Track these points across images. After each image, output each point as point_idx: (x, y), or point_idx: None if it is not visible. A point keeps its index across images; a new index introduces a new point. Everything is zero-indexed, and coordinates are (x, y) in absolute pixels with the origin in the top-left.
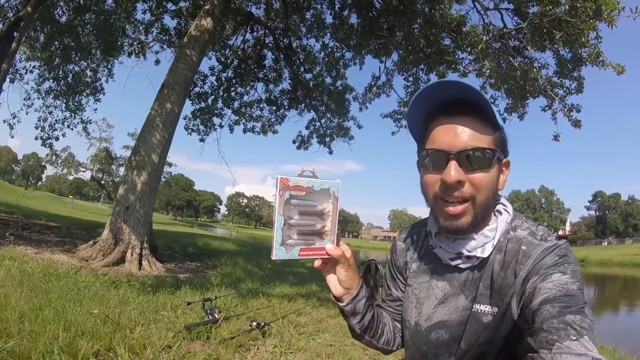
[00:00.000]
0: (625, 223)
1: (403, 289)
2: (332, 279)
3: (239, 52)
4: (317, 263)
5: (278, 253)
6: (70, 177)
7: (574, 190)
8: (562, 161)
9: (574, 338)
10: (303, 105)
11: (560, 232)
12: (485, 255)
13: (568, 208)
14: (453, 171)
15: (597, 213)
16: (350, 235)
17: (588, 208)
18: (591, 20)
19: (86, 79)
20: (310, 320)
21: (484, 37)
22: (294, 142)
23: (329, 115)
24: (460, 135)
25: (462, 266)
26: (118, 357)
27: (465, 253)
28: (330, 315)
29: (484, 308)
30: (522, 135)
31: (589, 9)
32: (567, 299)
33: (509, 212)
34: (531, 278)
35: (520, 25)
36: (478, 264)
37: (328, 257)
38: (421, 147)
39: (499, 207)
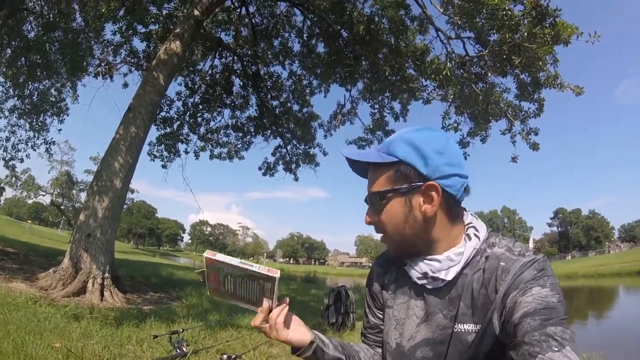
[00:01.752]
0: (587, 236)
1: (379, 315)
2: (281, 336)
3: (207, 78)
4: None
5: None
6: (30, 201)
7: (535, 209)
8: (521, 181)
9: (556, 349)
10: (269, 131)
11: None
12: (449, 278)
13: (530, 226)
14: (366, 214)
15: (559, 229)
16: (317, 262)
17: (550, 225)
18: (549, 44)
19: (51, 99)
20: (282, 350)
21: (448, 64)
22: (259, 168)
23: (295, 142)
24: (368, 183)
25: (428, 286)
26: None
27: (430, 274)
28: None
29: (467, 327)
30: (483, 157)
31: (547, 35)
32: (548, 311)
33: (479, 237)
34: (511, 293)
35: (481, 53)
36: (446, 285)
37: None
38: None
39: (469, 231)
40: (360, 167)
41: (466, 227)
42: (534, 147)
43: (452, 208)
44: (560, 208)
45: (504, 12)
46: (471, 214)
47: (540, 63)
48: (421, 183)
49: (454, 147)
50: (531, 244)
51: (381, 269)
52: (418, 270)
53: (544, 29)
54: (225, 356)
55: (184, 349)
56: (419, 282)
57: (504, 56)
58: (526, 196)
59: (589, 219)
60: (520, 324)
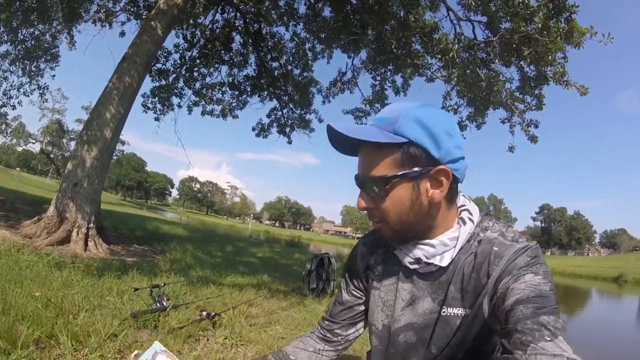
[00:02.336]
0: (569, 236)
1: (355, 294)
2: None
3: (207, 32)
4: None
5: None
6: (19, 149)
7: (521, 201)
8: (512, 171)
9: (549, 339)
10: (266, 93)
11: None
12: (444, 264)
13: (515, 217)
14: (359, 199)
15: (543, 224)
16: (302, 228)
17: (534, 219)
18: (560, 40)
19: (45, 44)
20: (262, 311)
21: (455, 45)
22: (253, 129)
23: (291, 106)
24: (361, 165)
25: (421, 271)
26: (60, 345)
27: (424, 259)
28: (281, 307)
29: (456, 311)
30: (476, 142)
31: (561, 30)
32: (540, 299)
33: (473, 221)
34: (503, 278)
35: (490, 39)
36: (436, 270)
37: None
38: None
39: (463, 214)
40: (344, 144)
41: (459, 209)
42: (533, 139)
43: (454, 192)
44: (546, 204)
45: (520, 1)
46: (463, 195)
47: (550, 57)
48: (431, 167)
49: (457, 127)
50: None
51: (367, 249)
52: (411, 255)
53: (558, 23)
54: (204, 313)
55: (164, 303)
56: (411, 267)
57: (514, 45)
58: (514, 187)
59: (573, 219)
60: (512, 311)
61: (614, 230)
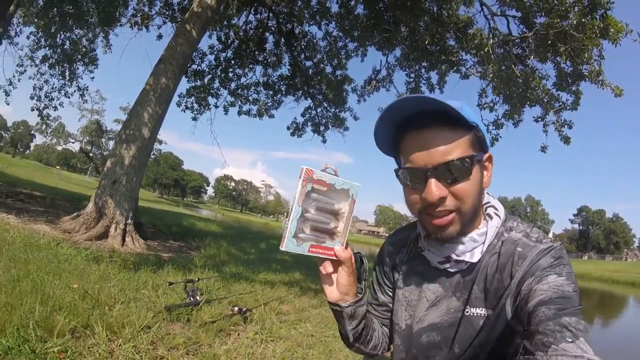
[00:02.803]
0: (607, 240)
1: (390, 293)
2: (329, 283)
3: (241, 33)
4: (326, 268)
5: (288, 245)
6: (59, 148)
7: (560, 204)
8: (551, 173)
9: (570, 340)
10: (300, 92)
11: None
12: (475, 260)
13: (552, 219)
14: (434, 188)
15: (581, 227)
16: None
17: (572, 221)
18: (597, 37)
19: (82, 48)
20: (293, 308)
21: (490, 40)
22: (288, 128)
23: (325, 105)
24: (433, 149)
25: (451, 270)
26: (95, 335)
27: (454, 257)
28: (312, 305)
29: (479, 311)
30: (513, 142)
31: (596, 27)
32: (563, 300)
33: (499, 216)
34: (527, 279)
35: (525, 34)
36: (467, 268)
37: (334, 258)
38: (398, 163)
39: (489, 210)
40: (387, 134)
41: (484, 206)
42: (566, 140)
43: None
44: (584, 206)
45: None
46: (487, 193)
47: (586, 55)
48: (485, 153)
49: None
50: (550, 237)
51: (393, 248)
52: (439, 254)
53: (594, 20)
54: (236, 308)
55: (198, 298)
56: (441, 266)
57: (549, 42)
58: (553, 189)
59: (612, 222)
60: (534, 312)
61: None
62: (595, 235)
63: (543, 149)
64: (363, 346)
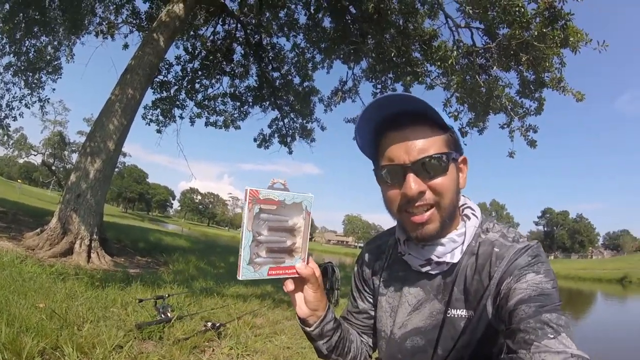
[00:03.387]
0: (572, 239)
1: (370, 300)
2: (298, 299)
3: (208, 44)
4: (287, 286)
5: (245, 273)
6: (21, 160)
7: (523, 206)
8: (513, 177)
9: (552, 336)
10: (267, 103)
11: None
12: (455, 260)
13: (517, 222)
14: (413, 183)
15: (545, 228)
16: None
17: (537, 223)
18: (557, 47)
19: (47, 56)
20: (267, 321)
21: (454, 52)
22: (255, 139)
23: (292, 115)
24: (412, 146)
25: (433, 272)
26: (65, 356)
27: (435, 259)
28: (286, 317)
29: (460, 312)
30: (477, 149)
31: (557, 37)
32: (543, 297)
33: (477, 217)
34: (506, 279)
35: (488, 45)
36: (448, 269)
37: (297, 276)
38: (376, 164)
39: (467, 211)
40: (367, 132)
41: (461, 207)
42: (532, 144)
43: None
44: (548, 208)
45: (517, 9)
46: (462, 195)
47: (547, 64)
48: (459, 155)
49: None
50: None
51: (372, 254)
52: (420, 257)
53: (555, 30)
54: (209, 324)
55: (169, 315)
56: (423, 269)
57: (512, 52)
58: (516, 192)
59: (576, 222)
60: (515, 311)
61: (616, 232)
62: (560, 235)
63: (511, 154)
64: (341, 358)
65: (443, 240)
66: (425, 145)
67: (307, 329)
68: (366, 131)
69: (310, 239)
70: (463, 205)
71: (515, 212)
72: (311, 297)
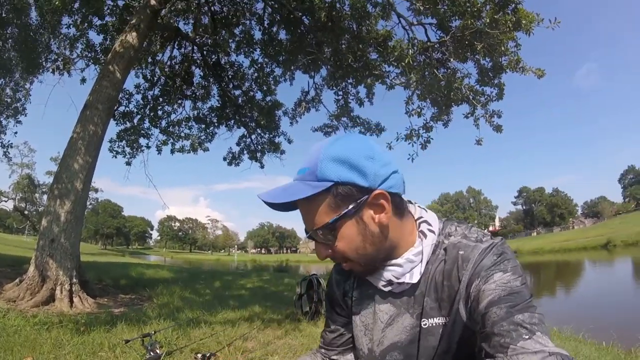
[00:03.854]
0: (551, 213)
1: (342, 321)
2: None
3: (166, 69)
4: None
5: None
6: None
7: (499, 189)
8: (485, 162)
9: (527, 337)
10: (233, 121)
11: (490, 228)
12: (414, 281)
13: (496, 205)
14: (317, 250)
15: (524, 207)
16: (289, 251)
17: (515, 203)
18: (511, 31)
19: (6, 99)
20: (258, 344)
21: (410, 51)
22: (224, 159)
23: (259, 131)
24: (303, 220)
25: (396, 291)
26: None
27: (395, 280)
28: (277, 336)
29: (436, 321)
30: (447, 140)
31: (509, 21)
32: (512, 297)
33: (434, 231)
34: (474, 281)
35: (443, 39)
36: (411, 286)
37: None
38: None
39: (423, 227)
40: (281, 206)
41: (417, 222)
42: (497, 129)
43: (399, 206)
44: (523, 187)
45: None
46: (418, 206)
47: (503, 48)
48: (366, 196)
49: (377, 145)
50: (497, 223)
51: (340, 276)
52: (382, 279)
53: (506, 15)
54: (199, 355)
55: (158, 351)
56: (385, 289)
57: (466, 42)
58: (491, 177)
59: (553, 196)
60: (487, 314)
61: (594, 200)
62: (539, 211)
63: (478, 141)
64: None
65: (400, 260)
66: (310, 219)
67: None
68: (281, 207)
69: (295, 251)
70: (419, 219)
71: (492, 195)
72: None
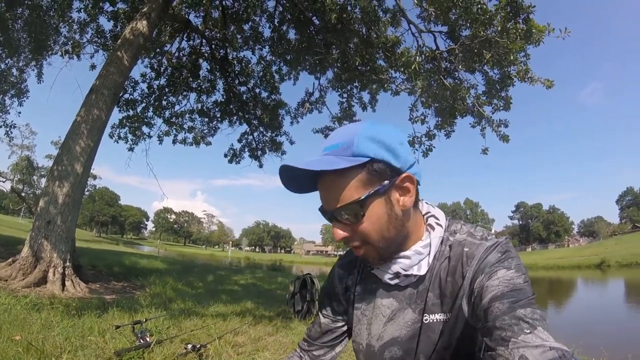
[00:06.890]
0: (547, 230)
1: (334, 317)
2: None
3: (174, 60)
4: None
5: None
6: None
7: (497, 202)
8: (484, 175)
9: (528, 331)
10: (236, 117)
11: None
12: (422, 272)
13: (492, 218)
14: (336, 231)
15: (520, 222)
16: (283, 251)
17: (511, 217)
18: (520, 41)
19: (11, 79)
20: (248, 339)
21: (417, 58)
22: (225, 155)
23: (262, 129)
24: (327, 197)
25: (402, 284)
26: None
27: (402, 272)
28: (268, 332)
29: (437, 317)
30: (447, 150)
31: (519, 30)
32: (515, 293)
33: (441, 225)
34: (478, 277)
35: (452, 47)
36: (417, 280)
37: None
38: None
39: (430, 221)
40: (301, 182)
41: (425, 217)
42: (504, 139)
43: (417, 196)
44: (521, 202)
45: (479, 7)
46: (426, 202)
47: (512, 57)
48: (396, 177)
49: (405, 136)
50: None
51: (343, 270)
52: (389, 271)
53: (517, 24)
54: (190, 346)
55: (148, 339)
56: (392, 282)
57: (475, 51)
58: (489, 189)
59: (550, 213)
60: (489, 309)
61: (590, 219)
62: (536, 227)
63: (484, 151)
64: None
65: (408, 252)
66: (337, 196)
67: None
68: (295, 185)
69: (289, 251)
70: (427, 214)
71: (489, 208)
72: None
